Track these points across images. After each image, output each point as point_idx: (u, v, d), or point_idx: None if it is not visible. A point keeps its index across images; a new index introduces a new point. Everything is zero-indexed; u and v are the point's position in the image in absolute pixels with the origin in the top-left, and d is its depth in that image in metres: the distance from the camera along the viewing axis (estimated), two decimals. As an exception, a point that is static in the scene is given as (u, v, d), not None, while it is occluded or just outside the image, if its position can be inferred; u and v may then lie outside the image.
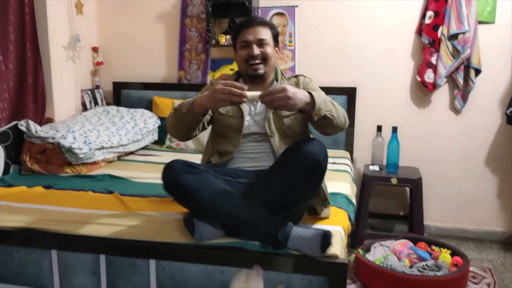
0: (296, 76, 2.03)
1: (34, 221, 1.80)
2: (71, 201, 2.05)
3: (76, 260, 1.74)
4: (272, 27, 1.94)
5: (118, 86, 3.56)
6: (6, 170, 2.51)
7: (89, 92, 3.41)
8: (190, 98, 1.79)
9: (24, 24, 2.72)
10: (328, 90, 3.31)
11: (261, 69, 1.89)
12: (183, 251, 1.66)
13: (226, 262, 1.65)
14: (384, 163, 3.06)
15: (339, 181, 2.48)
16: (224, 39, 3.22)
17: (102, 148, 2.61)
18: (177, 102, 3.17)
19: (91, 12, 3.49)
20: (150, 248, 1.68)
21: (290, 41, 3.29)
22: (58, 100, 2.99)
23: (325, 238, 1.57)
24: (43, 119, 2.86)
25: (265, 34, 1.89)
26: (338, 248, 1.64)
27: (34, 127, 2.47)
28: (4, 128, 2.50)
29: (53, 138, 2.44)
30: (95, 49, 3.53)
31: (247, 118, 1.92)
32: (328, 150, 1.71)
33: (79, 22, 3.21)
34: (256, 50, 1.87)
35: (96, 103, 3.46)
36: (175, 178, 1.66)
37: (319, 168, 1.67)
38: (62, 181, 2.35)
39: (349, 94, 3.21)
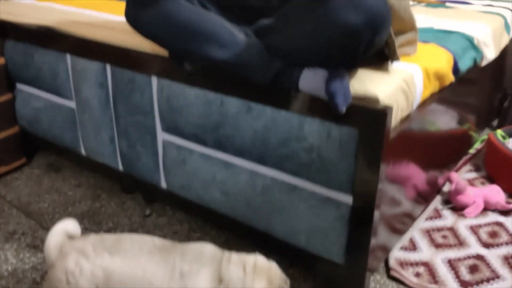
0: None
1: (56, 20, 1.60)
2: (110, 8, 1.79)
3: (86, 69, 1.51)
4: None
5: None
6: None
7: None
8: None
9: None
10: None
11: None
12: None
13: (228, 91, 1.21)
14: None
15: (472, 20, 1.67)
16: None
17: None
18: None
19: None
20: (151, 62, 1.34)
21: None
22: None
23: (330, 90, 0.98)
24: None
25: None
26: (384, 90, 1.03)
27: None
28: None
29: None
30: None
31: None
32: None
33: None
34: None
35: None
36: (130, 18, 1.17)
37: (356, 43, 0.96)
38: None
39: None
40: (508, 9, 1.94)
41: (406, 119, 1.15)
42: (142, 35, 1.19)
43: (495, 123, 2.22)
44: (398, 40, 1.16)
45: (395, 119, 1.07)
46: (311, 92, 1.05)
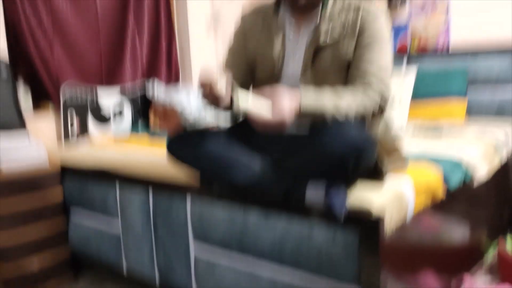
0: (357, 10, 1.40)
1: (106, 162, 1.94)
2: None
3: (131, 196, 1.79)
4: None
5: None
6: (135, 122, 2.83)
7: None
8: None
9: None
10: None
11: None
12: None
13: (249, 203, 1.45)
14: None
15: (464, 144, 1.95)
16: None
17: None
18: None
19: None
20: (186, 186, 1.61)
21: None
22: (197, 67, 3.20)
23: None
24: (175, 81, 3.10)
25: None
26: (376, 203, 1.25)
27: (154, 87, 2.66)
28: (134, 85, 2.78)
29: (167, 100, 2.56)
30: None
31: (287, 57, 1.47)
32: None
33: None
34: None
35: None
36: (172, 153, 1.50)
37: (344, 167, 1.24)
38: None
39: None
40: (503, 129, 2.20)
41: (402, 227, 1.34)
42: (180, 163, 1.51)
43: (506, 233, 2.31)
44: (388, 160, 1.40)
45: (389, 227, 1.26)
46: (316, 203, 1.28)
